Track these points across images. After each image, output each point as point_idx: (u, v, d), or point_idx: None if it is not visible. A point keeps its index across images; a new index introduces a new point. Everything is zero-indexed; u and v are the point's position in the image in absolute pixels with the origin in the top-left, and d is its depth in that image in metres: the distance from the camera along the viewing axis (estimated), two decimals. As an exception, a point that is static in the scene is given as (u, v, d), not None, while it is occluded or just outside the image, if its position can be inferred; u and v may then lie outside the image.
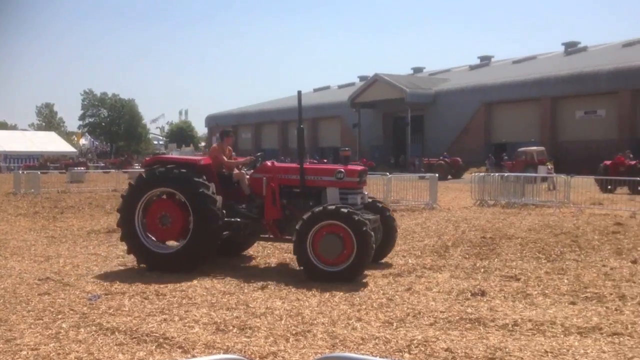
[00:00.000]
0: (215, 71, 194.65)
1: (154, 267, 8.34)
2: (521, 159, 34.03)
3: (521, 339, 5.33)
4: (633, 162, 27.85)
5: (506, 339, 5.33)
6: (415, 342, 5.21)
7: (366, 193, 9.06)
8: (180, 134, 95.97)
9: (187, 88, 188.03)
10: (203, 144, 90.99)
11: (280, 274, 8.31)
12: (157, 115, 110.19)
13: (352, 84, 74.99)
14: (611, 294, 6.91)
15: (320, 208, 7.91)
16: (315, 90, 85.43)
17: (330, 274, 7.70)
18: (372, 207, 9.04)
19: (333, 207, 7.86)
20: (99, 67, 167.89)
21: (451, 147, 52.55)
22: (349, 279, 7.66)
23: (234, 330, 5.64)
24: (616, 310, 6.28)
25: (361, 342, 5.26)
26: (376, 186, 19.48)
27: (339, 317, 6.07)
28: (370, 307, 6.45)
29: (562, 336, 5.41)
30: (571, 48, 59.37)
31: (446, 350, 5.01)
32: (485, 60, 68.92)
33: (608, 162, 27.93)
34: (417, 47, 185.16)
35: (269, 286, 7.46)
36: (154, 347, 5.19)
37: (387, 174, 20.27)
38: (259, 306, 6.48)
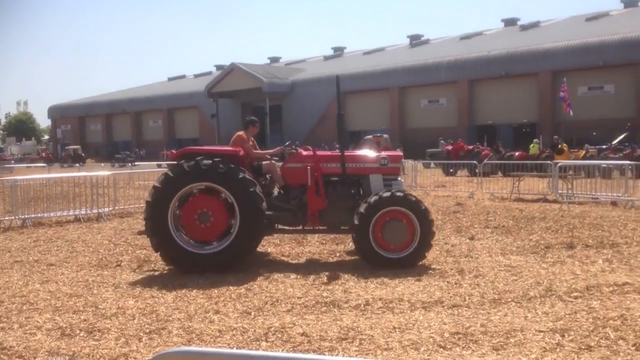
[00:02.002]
0: (58, 59, 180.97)
1: (190, 268, 7.57)
2: (367, 147, 36.00)
3: (372, 318, 5.60)
4: (471, 147, 30.43)
5: (358, 319, 5.56)
6: (272, 329, 5.27)
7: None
8: (20, 127, 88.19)
9: (26, 77, 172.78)
10: (46, 136, 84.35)
11: (134, 272, 7.96)
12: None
13: (209, 73, 73.73)
14: (452, 269, 7.50)
15: (386, 194, 7.64)
16: (170, 79, 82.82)
17: (393, 261, 7.60)
18: None
19: (399, 193, 7.70)
20: None
21: (309, 136, 53.67)
22: (411, 265, 7.60)
23: (82, 334, 5.31)
24: (456, 284, 6.82)
25: (218, 334, 5.20)
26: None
27: (195, 311, 5.95)
28: (228, 299, 6.40)
29: (408, 312, 5.76)
30: (415, 41, 63.24)
31: (302, 334, 5.12)
32: (339, 52, 71.16)
33: (449, 147, 30.24)
34: (273, 37, 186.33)
35: (121, 285, 7.13)
36: (-12, 361, 4.72)
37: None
38: (109, 307, 6.16)
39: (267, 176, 8.59)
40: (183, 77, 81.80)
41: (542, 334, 4.98)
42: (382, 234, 7.64)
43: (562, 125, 35.60)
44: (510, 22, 58.80)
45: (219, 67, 71.46)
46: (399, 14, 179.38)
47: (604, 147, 27.52)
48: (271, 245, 9.59)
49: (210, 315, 5.81)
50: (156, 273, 7.84)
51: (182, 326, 5.45)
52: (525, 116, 43.16)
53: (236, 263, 7.69)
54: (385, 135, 38.65)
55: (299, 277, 7.33)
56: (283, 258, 8.64)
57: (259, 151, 8.95)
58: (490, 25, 66.35)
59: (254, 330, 5.26)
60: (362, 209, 7.67)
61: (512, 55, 43.67)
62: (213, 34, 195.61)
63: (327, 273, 7.40)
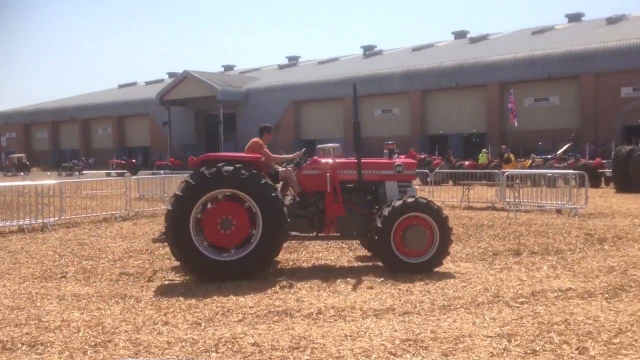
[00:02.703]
0: (1, 64, 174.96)
1: (212, 276, 7.43)
2: (319, 155, 36.57)
3: (324, 326, 5.59)
4: (422, 156, 30.94)
5: (310, 327, 5.55)
6: (223, 340, 5.19)
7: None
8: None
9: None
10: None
11: (80, 283, 7.72)
12: None
13: (161, 81, 72.62)
14: (403, 277, 7.56)
15: (409, 200, 7.78)
16: (121, 86, 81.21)
17: (412, 266, 7.71)
18: None
19: (422, 200, 7.86)
20: None
21: (263, 145, 53.18)
22: (429, 269, 7.74)
23: (23, 348, 5.10)
24: (407, 291, 6.89)
25: (167, 346, 5.09)
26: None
27: (143, 322, 5.81)
28: (178, 310, 6.29)
29: (360, 319, 5.79)
30: (369, 51, 63.99)
31: (253, 344, 5.06)
32: (293, 61, 71.35)
33: (402, 157, 30.69)
34: (227, 46, 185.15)
35: (66, 297, 6.90)
36: None
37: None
38: (53, 319, 5.95)
39: (281, 183, 8.58)
40: (134, 84, 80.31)
41: (489, 339, 5.08)
42: (403, 239, 7.77)
43: (510, 136, 36.65)
44: (460, 35, 60.23)
45: (171, 75, 70.49)
46: (353, 25, 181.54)
47: (549, 156, 28.45)
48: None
49: (158, 326, 5.69)
50: (103, 284, 7.63)
51: (129, 338, 5.31)
52: (475, 126, 44.22)
53: (260, 270, 7.67)
54: (337, 145, 39.21)
55: (251, 286, 7.26)
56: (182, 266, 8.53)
57: (277, 156, 9.04)
58: (441, 38, 67.86)
59: (204, 341, 5.17)
60: (385, 213, 7.76)
61: (462, 67, 44.75)
62: (165, 42, 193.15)
63: (280, 282, 7.37)
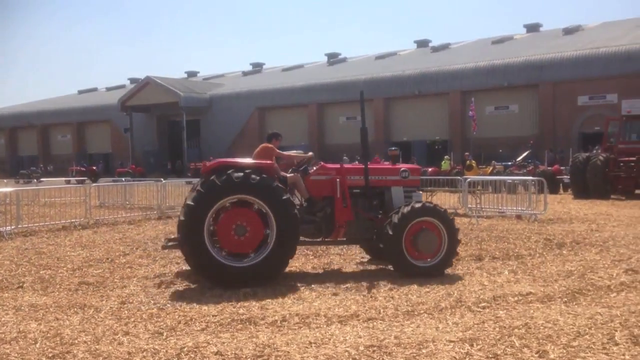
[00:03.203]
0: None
1: (228, 283, 7.38)
2: (282, 163, 36.89)
3: (288, 334, 5.57)
4: (387, 163, 31.19)
5: (275, 335, 5.51)
6: (185, 349, 5.11)
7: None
8: None
9: None
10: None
11: (37, 293, 7.50)
12: None
13: (122, 87, 71.48)
14: (367, 283, 7.60)
15: (418, 205, 7.99)
16: (81, 92, 79.51)
17: (423, 269, 7.89)
18: None
19: (429, 204, 8.10)
20: None
21: (228, 151, 53.08)
22: (440, 272, 7.94)
23: (-24, 363, 4.93)
24: (371, 297, 6.91)
25: (127, 356, 4.98)
26: (150, 192, 18.80)
27: (103, 333, 5.68)
28: (139, 319, 6.17)
29: (325, 326, 5.78)
30: (333, 59, 64.33)
31: (216, 353, 5.00)
32: (258, 67, 71.17)
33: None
34: (190, 52, 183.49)
35: (22, 307, 6.70)
36: None
37: (162, 179, 19.70)
38: (9, 331, 5.76)
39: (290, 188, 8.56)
40: (95, 90, 78.78)
41: (452, 344, 5.13)
42: (413, 243, 7.92)
43: (471, 142, 37.30)
44: (422, 44, 61.09)
45: (133, 81, 69.42)
46: (317, 32, 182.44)
47: (509, 163, 29.04)
48: (186, 264, 9.34)
49: (119, 336, 5.56)
50: (61, 294, 7.43)
51: (89, 349, 5.18)
52: (438, 133, 44.84)
53: (279, 272, 7.73)
54: (300, 152, 39.31)
55: (214, 294, 7.18)
56: (198, 276, 8.42)
57: (292, 154, 9.18)
58: (404, 46, 68.75)
59: (166, 351, 5.08)
60: (395, 219, 7.90)
61: (425, 75, 45.39)
62: (127, 47, 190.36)
63: (244, 290, 7.30)
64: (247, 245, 7.59)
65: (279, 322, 5.94)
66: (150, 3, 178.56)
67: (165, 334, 5.66)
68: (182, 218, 7.55)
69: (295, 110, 51.84)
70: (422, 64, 48.09)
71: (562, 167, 27.47)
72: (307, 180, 8.49)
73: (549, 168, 26.46)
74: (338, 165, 8.72)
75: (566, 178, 24.68)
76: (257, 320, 5.99)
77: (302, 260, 9.46)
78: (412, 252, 7.94)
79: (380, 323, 5.84)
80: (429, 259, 7.99)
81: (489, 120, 41.50)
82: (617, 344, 5.00)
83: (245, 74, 68.85)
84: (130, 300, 6.96)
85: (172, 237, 9.43)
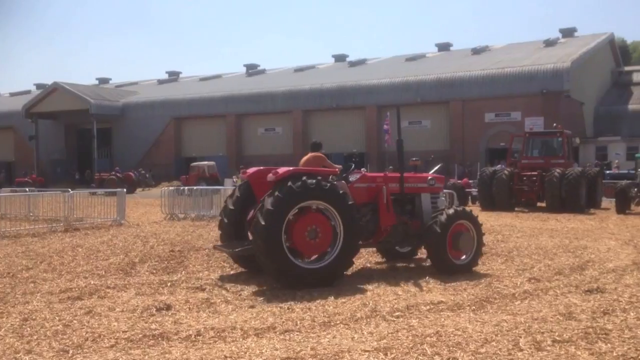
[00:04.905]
0: None
1: (296, 283, 7.83)
2: (194, 173, 36.80)
3: (203, 348, 5.44)
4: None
5: (189, 350, 5.37)
6: (93, 368, 4.87)
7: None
8: None
9: None
10: None
11: None
12: None
13: (28, 92, 67.86)
14: (285, 294, 7.58)
15: (454, 210, 9.11)
16: (-18, 96, 74.67)
17: (459, 267, 8.84)
18: None
19: (464, 209, 9.42)
20: None
21: (142, 161, 51.60)
22: (470, 269, 8.95)
23: None
24: (288, 309, 6.90)
25: (29, 378, 4.68)
26: (56, 203, 17.87)
27: (3, 352, 5.32)
28: (43, 337, 5.82)
29: (241, 340, 5.70)
30: (252, 70, 64.22)
31: (127, 371, 4.80)
32: (174, 76, 69.79)
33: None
34: (101, 58, 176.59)
35: None
36: None
37: (70, 190, 18.78)
38: None
39: None
40: (-3, 94, 74.31)
41: (367, 353, 5.21)
42: (453, 242, 8.86)
43: (387, 156, 38.29)
44: (339, 58, 62.25)
45: (39, 86, 66.15)
46: (235, 43, 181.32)
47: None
48: (94, 277, 8.96)
49: (20, 355, 5.23)
50: (-45, 313, 6.88)
51: (-15, 372, 4.83)
52: (355, 146, 45.73)
53: (343, 272, 8.38)
54: (212, 163, 39.05)
55: (125, 309, 6.91)
56: (108, 290, 8.08)
57: (338, 166, 9.64)
58: (322, 60, 69.69)
59: (72, 370, 4.82)
60: (442, 219, 8.84)
61: (342, 89, 46.25)
62: (34, 51, 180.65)
63: (156, 304, 7.07)
64: (318, 248, 8.19)
65: (193, 336, 5.80)
66: (58, 4, 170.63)
67: (71, 351, 5.37)
68: (261, 223, 7.83)
69: (213, 120, 51.20)
70: (340, 78, 48.96)
71: (470, 181, 28.71)
72: (351, 188, 9.01)
73: (458, 181, 27.58)
74: (382, 174, 9.59)
75: (474, 191, 25.81)
76: (170, 336, 5.81)
77: (219, 272, 9.31)
78: (451, 251, 8.85)
79: (297, 335, 5.84)
80: (462, 257, 8.97)
81: (403, 134, 42.27)
82: (521, 350, 5.26)
83: (160, 82, 67.28)
84: (34, 317, 6.56)
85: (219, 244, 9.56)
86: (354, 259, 8.63)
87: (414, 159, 10.88)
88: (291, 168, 8.44)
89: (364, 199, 9.07)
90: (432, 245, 8.93)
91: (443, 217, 8.86)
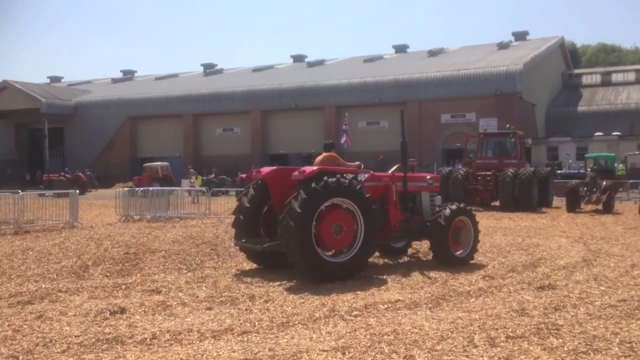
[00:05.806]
0: None
1: (326, 277, 8.20)
2: (147, 174, 36.32)
3: (159, 352, 5.34)
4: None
5: (144, 354, 5.26)
6: (43, 374, 4.72)
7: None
8: None
9: None
10: None
11: None
12: None
13: (-25, 90, 65.31)
14: (243, 296, 7.52)
15: (455, 206, 9.77)
16: None
17: (458, 259, 9.49)
18: None
19: (464, 206, 9.95)
20: None
21: (96, 161, 50.49)
22: (468, 262, 9.59)
23: None
24: (246, 310, 6.84)
25: (-25, 386, 4.51)
26: (6, 205, 17.28)
27: (-54, 362, 5.10)
28: (-10, 344, 5.60)
29: (197, 342, 5.62)
30: (209, 69, 63.56)
31: (79, 377, 4.67)
32: (129, 75, 68.47)
33: (244, 175, 30.82)
34: (53, 56, 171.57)
35: None
36: None
37: (19, 191, 18.19)
38: None
39: None
40: (-58, 92, 71.33)
41: (325, 353, 5.21)
42: (454, 237, 9.54)
43: (345, 156, 38.46)
44: (298, 59, 62.27)
45: (-12, 84, 63.75)
46: (192, 42, 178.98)
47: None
48: (46, 281, 8.69)
49: (-35, 365, 5.03)
50: None
51: None
52: (313, 146, 45.69)
53: (365, 265, 8.86)
54: (166, 163, 38.43)
55: (77, 313, 6.72)
56: (60, 294, 7.85)
57: (351, 164, 9.95)
58: (280, 60, 69.57)
59: (21, 378, 4.66)
60: (446, 213, 9.53)
61: (301, 89, 46.28)
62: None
63: (110, 307, 6.91)
64: (343, 243, 8.57)
65: (148, 340, 5.68)
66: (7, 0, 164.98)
67: (21, 357, 5.20)
68: (290, 222, 8.13)
69: (169, 120, 50.47)
70: (299, 79, 48.97)
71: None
72: (363, 186, 9.28)
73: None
74: (389, 174, 10.09)
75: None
76: (124, 339, 5.68)
77: (175, 274, 9.17)
78: (452, 244, 9.49)
79: (255, 336, 5.79)
80: (461, 251, 9.61)
81: (362, 134, 43.12)
82: (476, 346, 5.36)
83: (114, 81, 65.93)
84: (-20, 324, 6.31)
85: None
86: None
87: (411, 159, 11.15)
88: (316, 167, 8.84)
89: (372, 197, 9.30)
90: (436, 237, 9.52)
91: (447, 212, 9.54)
